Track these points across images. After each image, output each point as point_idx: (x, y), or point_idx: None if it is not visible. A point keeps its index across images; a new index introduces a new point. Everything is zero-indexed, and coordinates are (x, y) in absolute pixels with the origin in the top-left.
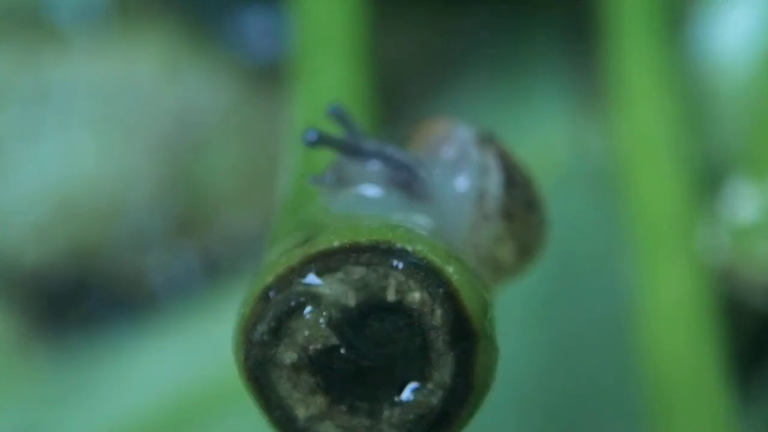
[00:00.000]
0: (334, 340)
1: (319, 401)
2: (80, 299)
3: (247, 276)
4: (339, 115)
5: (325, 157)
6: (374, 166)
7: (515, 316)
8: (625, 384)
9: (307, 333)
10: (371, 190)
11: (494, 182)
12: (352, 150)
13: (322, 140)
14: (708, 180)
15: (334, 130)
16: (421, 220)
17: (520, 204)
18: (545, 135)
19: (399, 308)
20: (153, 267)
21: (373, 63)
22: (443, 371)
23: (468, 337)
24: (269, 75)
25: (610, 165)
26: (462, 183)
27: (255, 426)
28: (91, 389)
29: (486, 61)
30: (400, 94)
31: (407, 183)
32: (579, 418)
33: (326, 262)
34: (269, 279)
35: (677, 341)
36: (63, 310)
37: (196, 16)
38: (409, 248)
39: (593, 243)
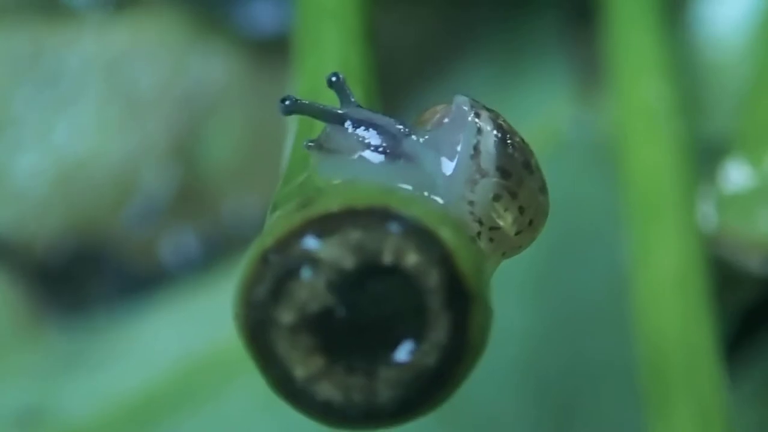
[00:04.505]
0: (331, 302)
1: (317, 361)
2: (87, 274)
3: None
4: (335, 84)
5: None
6: (359, 132)
7: (511, 287)
8: (620, 354)
9: (305, 294)
10: (360, 156)
11: (489, 140)
12: (330, 117)
13: (296, 108)
14: (705, 152)
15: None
16: (412, 183)
17: (518, 163)
18: (545, 111)
19: (395, 270)
20: (159, 241)
21: (374, 39)
22: (439, 331)
23: (463, 297)
24: (273, 51)
25: (608, 140)
26: (456, 143)
27: (256, 395)
28: (98, 362)
29: (487, 39)
30: (401, 74)
31: (392, 147)
32: (574, 388)
33: (324, 225)
34: (268, 241)
35: (673, 311)
36: (70, 283)
37: None
38: (404, 212)
39: (591, 216)
